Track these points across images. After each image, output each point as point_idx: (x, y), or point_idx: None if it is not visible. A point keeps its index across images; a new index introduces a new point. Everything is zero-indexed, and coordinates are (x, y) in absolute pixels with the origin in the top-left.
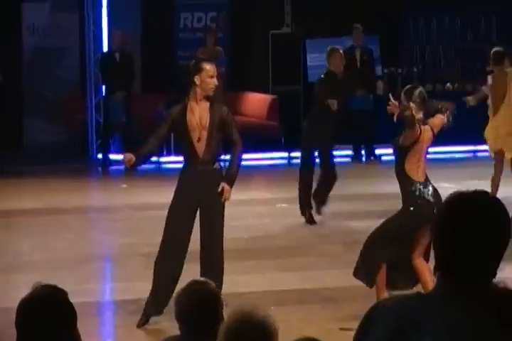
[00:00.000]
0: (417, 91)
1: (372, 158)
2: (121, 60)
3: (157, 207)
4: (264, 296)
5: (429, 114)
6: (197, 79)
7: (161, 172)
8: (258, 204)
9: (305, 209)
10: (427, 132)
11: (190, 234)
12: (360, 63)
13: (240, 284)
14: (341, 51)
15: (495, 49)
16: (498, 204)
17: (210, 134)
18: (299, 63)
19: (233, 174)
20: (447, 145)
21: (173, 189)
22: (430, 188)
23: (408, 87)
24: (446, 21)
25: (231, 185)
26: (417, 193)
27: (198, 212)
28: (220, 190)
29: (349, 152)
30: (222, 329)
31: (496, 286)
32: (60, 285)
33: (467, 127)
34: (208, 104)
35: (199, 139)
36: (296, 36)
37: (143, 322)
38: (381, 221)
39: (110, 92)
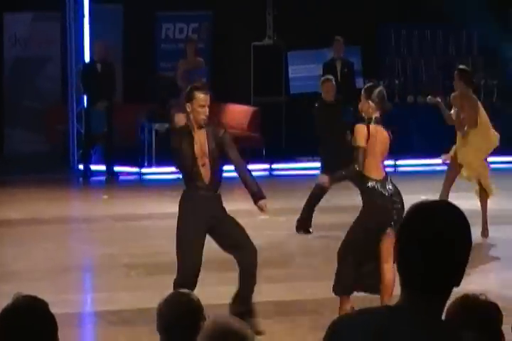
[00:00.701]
0: (376, 91)
1: None
2: (103, 70)
3: (138, 217)
4: None
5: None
6: (188, 107)
7: (141, 184)
8: (239, 216)
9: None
10: (380, 132)
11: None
12: (341, 75)
13: (221, 295)
14: (333, 81)
15: (463, 67)
16: (460, 216)
17: (213, 160)
18: (281, 75)
19: (258, 187)
20: (427, 157)
21: (154, 200)
22: (390, 186)
23: (369, 85)
24: (428, 34)
25: (264, 197)
26: (374, 189)
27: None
28: (261, 207)
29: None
30: (200, 339)
31: (476, 298)
32: (40, 296)
33: (444, 139)
34: (204, 130)
35: (203, 165)
36: (277, 48)
37: None
38: None
39: (92, 103)
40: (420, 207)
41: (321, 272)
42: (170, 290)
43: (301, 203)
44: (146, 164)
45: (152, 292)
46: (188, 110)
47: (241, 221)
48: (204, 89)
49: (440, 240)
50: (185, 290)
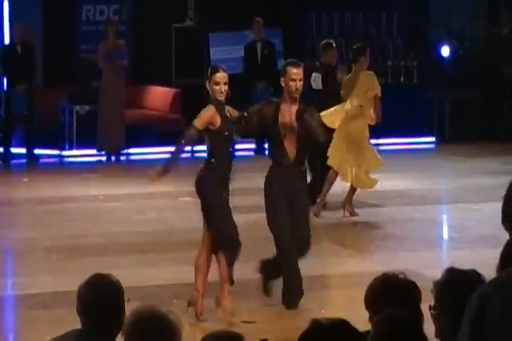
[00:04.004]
0: None
1: None
2: (23, 52)
3: (59, 200)
4: (166, 289)
5: None
6: (282, 82)
7: (62, 166)
8: (160, 198)
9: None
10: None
11: None
12: (261, 57)
13: (142, 278)
14: (335, 45)
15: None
16: None
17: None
18: (202, 57)
19: None
20: None
21: (75, 182)
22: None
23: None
24: (349, 16)
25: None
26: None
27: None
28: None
29: (252, 145)
30: (126, 325)
31: (396, 276)
32: None
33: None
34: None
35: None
36: (199, 30)
37: None
38: None
39: (11, 85)
40: None
41: (239, 253)
42: (91, 273)
43: None
44: (66, 147)
45: (73, 275)
46: (283, 85)
47: (161, 202)
48: (296, 64)
49: None
50: (105, 273)
